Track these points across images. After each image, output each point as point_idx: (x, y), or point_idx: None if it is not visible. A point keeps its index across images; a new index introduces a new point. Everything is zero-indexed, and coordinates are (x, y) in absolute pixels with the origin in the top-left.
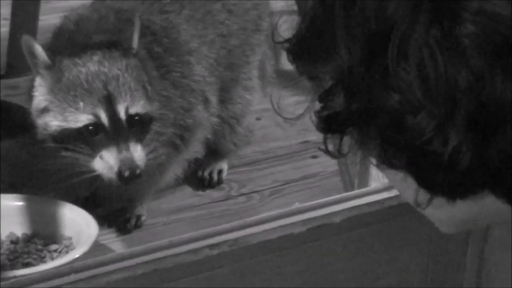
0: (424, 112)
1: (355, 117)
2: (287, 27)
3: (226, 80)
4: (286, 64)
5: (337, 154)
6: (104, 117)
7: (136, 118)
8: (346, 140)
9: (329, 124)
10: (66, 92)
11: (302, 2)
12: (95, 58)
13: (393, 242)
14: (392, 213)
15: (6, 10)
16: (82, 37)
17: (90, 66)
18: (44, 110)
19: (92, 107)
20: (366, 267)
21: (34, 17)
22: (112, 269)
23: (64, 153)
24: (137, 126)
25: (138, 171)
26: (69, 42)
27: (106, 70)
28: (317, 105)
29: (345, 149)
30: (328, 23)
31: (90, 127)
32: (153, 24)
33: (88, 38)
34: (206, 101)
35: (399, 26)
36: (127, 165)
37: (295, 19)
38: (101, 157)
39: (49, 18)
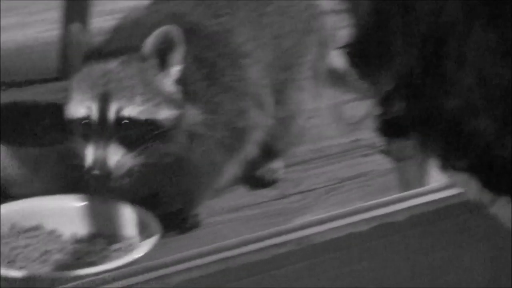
0: (483, 116)
1: (416, 121)
2: (345, 31)
3: (281, 82)
4: (336, 63)
5: (400, 157)
6: (94, 113)
7: (127, 121)
8: (408, 143)
9: (391, 128)
10: (79, 84)
11: (356, 8)
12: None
13: (455, 240)
14: (454, 211)
15: (56, 14)
16: (136, 41)
17: (103, 64)
18: (69, 99)
19: (89, 102)
20: (428, 265)
21: (85, 20)
22: (183, 268)
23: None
24: (129, 130)
25: (109, 174)
26: (120, 44)
27: (113, 69)
28: (378, 110)
29: (407, 152)
30: (385, 29)
31: (84, 121)
32: (207, 28)
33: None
34: (260, 104)
35: (455, 30)
36: (97, 164)
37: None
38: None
39: (98, 21)
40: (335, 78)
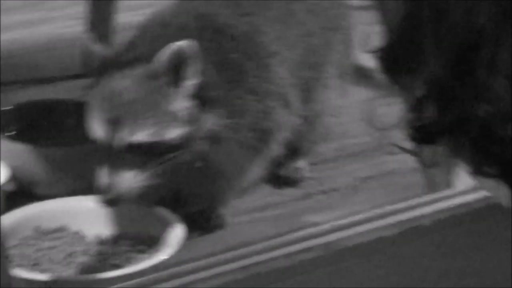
0: None
1: (447, 128)
2: (372, 27)
3: (308, 80)
4: (362, 61)
5: (430, 163)
6: (105, 137)
7: (136, 146)
8: (438, 149)
9: (421, 134)
10: (94, 103)
11: (387, 12)
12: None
13: (483, 243)
14: (482, 214)
15: (80, 9)
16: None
17: (115, 82)
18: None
19: (101, 124)
20: (456, 269)
21: (109, 15)
22: (209, 275)
23: None
24: (139, 153)
25: (120, 198)
26: (145, 47)
27: (125, 89)
28: (409, 116)
29: (437, 158)
30: (417, 34)
31: (97, 141)
32: (234, 28)
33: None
34: (287, 103)
35: (488, 37)
36: (108, 190)
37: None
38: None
39: (125, 16)
40: (361, 76)
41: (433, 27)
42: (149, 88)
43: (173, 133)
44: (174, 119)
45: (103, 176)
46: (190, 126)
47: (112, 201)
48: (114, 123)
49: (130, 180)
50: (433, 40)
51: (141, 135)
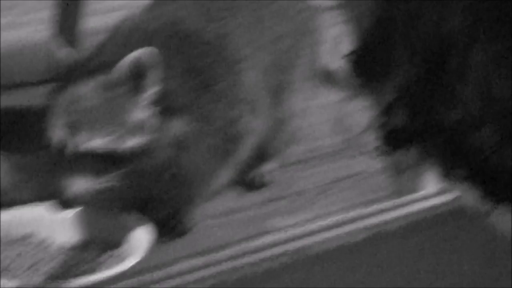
0: (485, 127)
1: (418, 133)
2: (346, 37)
3: (277, 84)
4: (330, 63)
5: (401, 169)
6: (62, 142)
7: (93, 153)
8: (409, 154)
9: (392, 139)
10: (54, 108)
11: (358, 15)
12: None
13: (450, 247)
14: (450, 217)
15: (48, 13)
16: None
17: (76, 88)
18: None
19: (59, 129)
20: (424, 272)
21: (78, 19)
22: (176, 284)
23: None
24: (94, 160)
25: (73, 202)
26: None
27: (85, 96)
28: (380, 120)
29: (407, 163)
30: (388, 40)
31: (54, 146)
32: (203, 33)
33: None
34: (255, 108)
35: (459, 41)
36: (60, 195)
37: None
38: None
39: (94, 20)
40: (331, 78)
41: (405, 32)
42: (109, 96)
43: (133, 141)
44: (134, 127)
45: (58, 179)
46: (153, 134)
47: (66, 203)
48: (71, 128)
49: (84, 184)
50: (404, 45)
51: (98, 142)
